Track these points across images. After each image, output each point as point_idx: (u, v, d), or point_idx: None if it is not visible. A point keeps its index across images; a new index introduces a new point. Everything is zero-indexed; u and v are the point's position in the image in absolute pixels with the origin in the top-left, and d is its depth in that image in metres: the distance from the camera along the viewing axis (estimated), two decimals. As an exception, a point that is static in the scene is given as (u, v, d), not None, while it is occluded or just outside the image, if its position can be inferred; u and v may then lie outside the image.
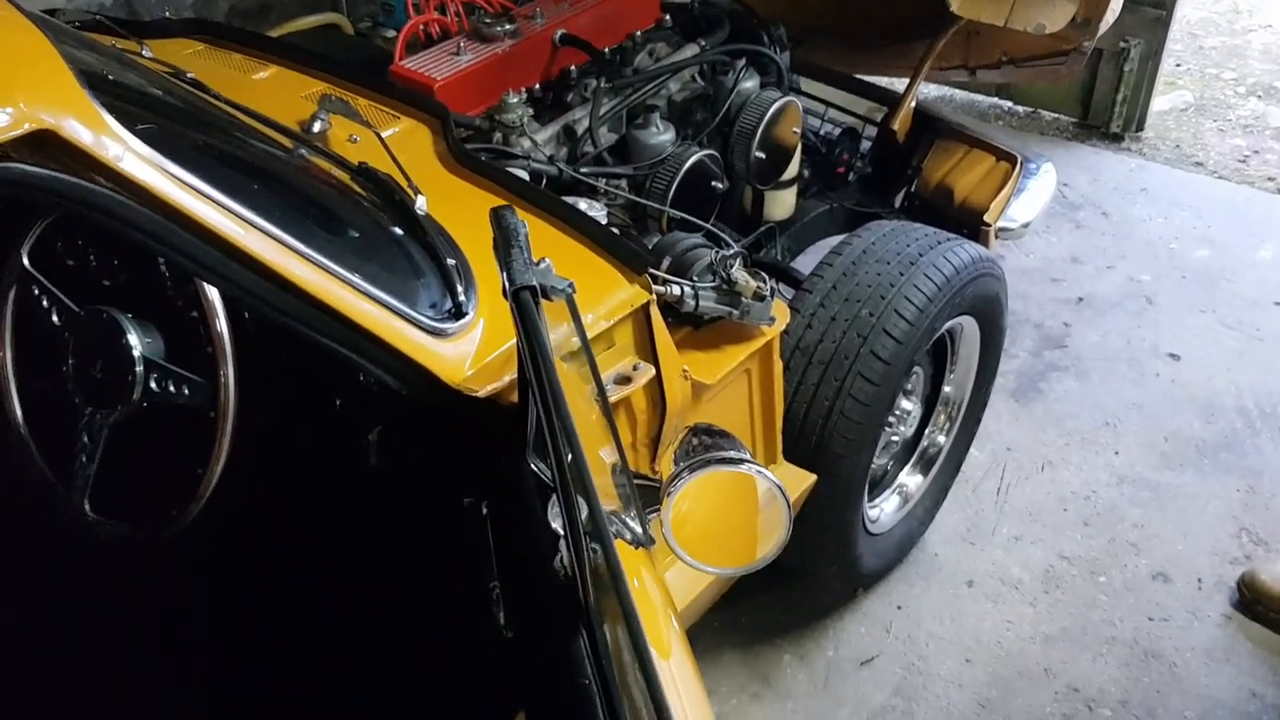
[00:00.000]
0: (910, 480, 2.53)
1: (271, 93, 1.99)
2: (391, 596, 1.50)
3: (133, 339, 1.49)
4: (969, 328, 2.39)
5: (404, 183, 1.61)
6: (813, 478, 2.06)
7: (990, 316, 2.39)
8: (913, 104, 2.74)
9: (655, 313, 1.70)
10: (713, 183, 2.28)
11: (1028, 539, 2.58)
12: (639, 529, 1.11)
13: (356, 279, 1.34)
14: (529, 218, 1.76)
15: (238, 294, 1.24)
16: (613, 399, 1.61)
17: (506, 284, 0.82)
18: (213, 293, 1.44)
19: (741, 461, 1.24)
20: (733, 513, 1.28)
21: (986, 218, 2.49)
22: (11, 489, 1.65)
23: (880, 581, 2.48)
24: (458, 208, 1.69)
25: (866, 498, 2.35)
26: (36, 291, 1.59)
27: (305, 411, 1.57)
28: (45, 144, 1.07)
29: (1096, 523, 2.61)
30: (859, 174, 2.84)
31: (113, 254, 1.56)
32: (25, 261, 1.59)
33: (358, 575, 1.55)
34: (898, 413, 2.37)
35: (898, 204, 2.82)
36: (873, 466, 2.35)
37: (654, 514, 1.25)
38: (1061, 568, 2.50)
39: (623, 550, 1.18)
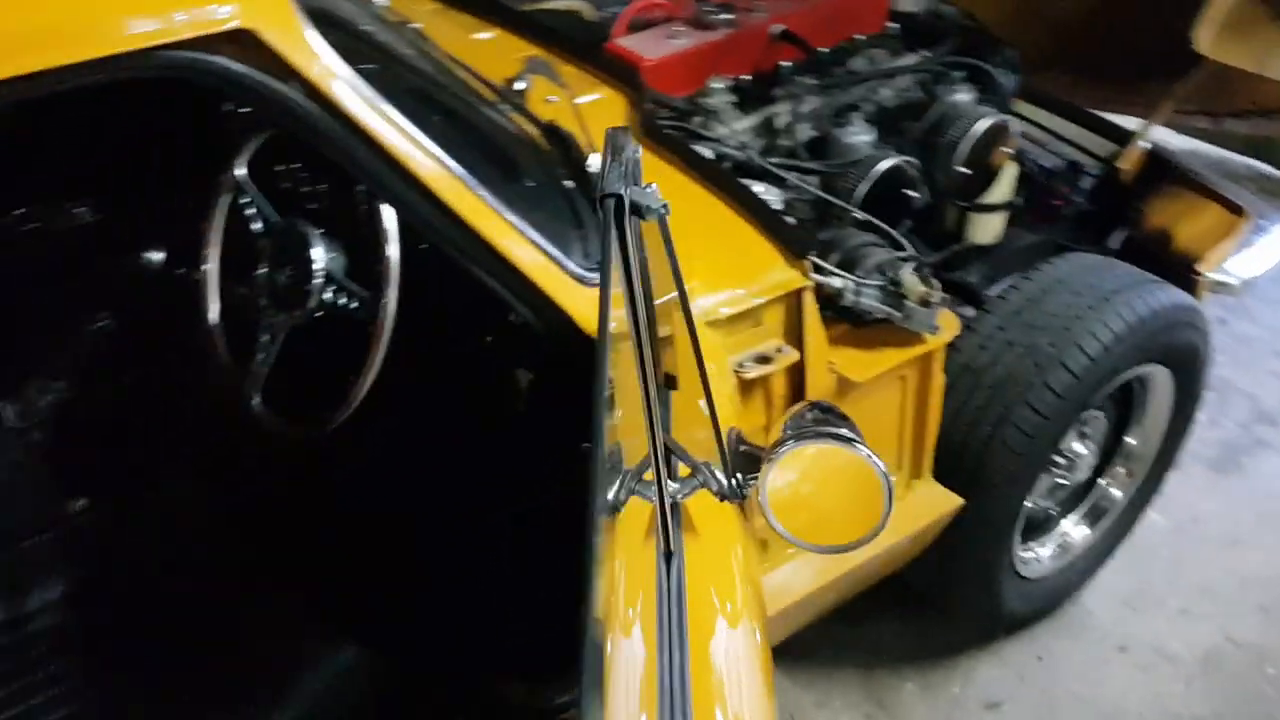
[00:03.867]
0: (1074, 530, 2.41)
1: (489, 52, 2.10)
2: (497, 525, 1.56)
3: (318, 252, 1.62)
4: (1161, 378, 2.25)
5: (583, 142, 1.68)
6: (959, 501, 1.99)
7: (1187, 370, 2.24)
8: (1146, 145, 2.61)
9: (809, 300, 1.70)
10: (907, 191, 2.24)
11: (1196, 614, 2.41)
12: (724, 480, 1.12)
13: (517, 219, 1.41)
14: (699, 191, 1.81)
15: (403, 213, 1.33)
16: (747, 376, 1.62)
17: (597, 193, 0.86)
18: (389, 220, 1.55)
19: (852, 442, 1.23)
20: (833, 492, 1.26)
21: (1199, 266, 2.34)
22: (200, 374, 1.82)
23: (1024, 629, 2.37)
24: (634, 172, 1.74)
25: (1020, 538, 2.25)
26: (246, 201, 1.74)
27: (455, 340, 1.65)
28: (247, 45, 1.18)
29: (1277, 612, 2.40)
30: (1077, 209, 2.72)
31: (314, 174, 1.69)
32: (242, 173, 1.74)
33: (467, 504, 1.62)
34: (1067, 455, 2.26)
35: (1114, 245, 2.68)
36: (1032, 506, 2.26)
37: (754, 480, 1.25)
38: (1227, 650, 2.32)
39: (710, 508, 1.20)
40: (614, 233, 0.81)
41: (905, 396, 1.92)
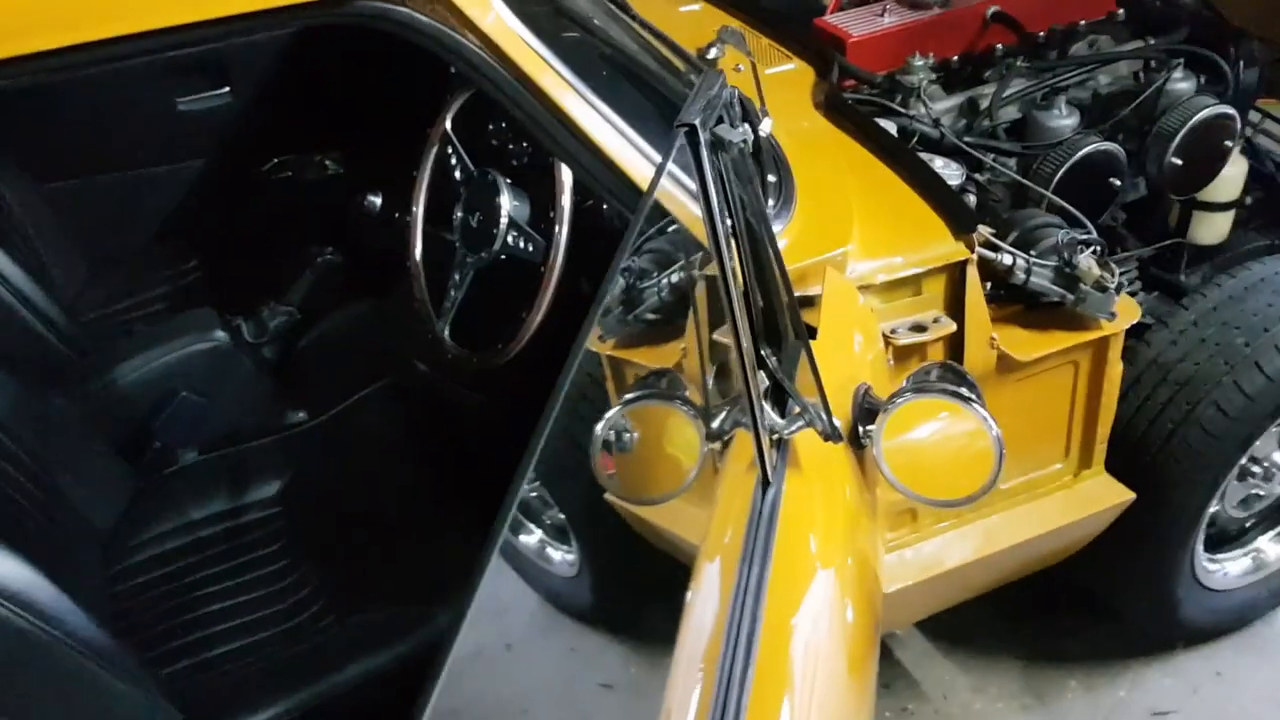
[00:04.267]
0: (1271, 548, 2.27)
1: (689, 23, 2.20)
2: None
3: (504, 200, 1.77)
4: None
5: (759, 105, 1.74)
6: (1130, 495, 1.93)
7: None
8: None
9: (972, 273, 1.70)
10: (1110, 178, 2.17)
11: (1407, 653, 2.22)
12: (828, 421, 1.17)
13: (677, 170, 1.50)
14: (874, 162, 1.84)
15: (564, 159, 1.45)
16: (899, 342, 1.64)
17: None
18: (565, 173, 1.68)
19: (970, 401, 1.25)
20: (947, 448, 1.29)
21: None
22: (403, 307, 2.02)
23: (1205, 642, 2.26)
24: (808, 139, 1.80)
25: (1207, 546, 2.15)
26: (450, 152, 1.92)
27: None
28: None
29: None
30: (1318, 215, 2.54)
31: (506, 130, 1.85)
32: (447, 126, 1.92)
33: None
34: (1264, 464, 2.13)
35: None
36: (1223, 515, 2.16)
37: (872, 430, 1.29)
38: None
39: (816, 449, 1.25)
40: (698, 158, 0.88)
41: (1077, 382, 1.87)
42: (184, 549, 1.93)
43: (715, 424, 1.20)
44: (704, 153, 0.89)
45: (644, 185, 1.44)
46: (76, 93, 2.39)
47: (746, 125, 1.04)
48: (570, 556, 2.03)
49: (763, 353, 1.13)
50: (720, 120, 0.98)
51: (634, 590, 1.94)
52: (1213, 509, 2.09)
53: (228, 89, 2.51)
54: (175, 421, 2.08)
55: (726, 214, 0.97)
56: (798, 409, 1.19)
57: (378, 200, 2.28)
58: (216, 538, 1.96)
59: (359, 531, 1.95)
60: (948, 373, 1.30)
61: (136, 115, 2.48)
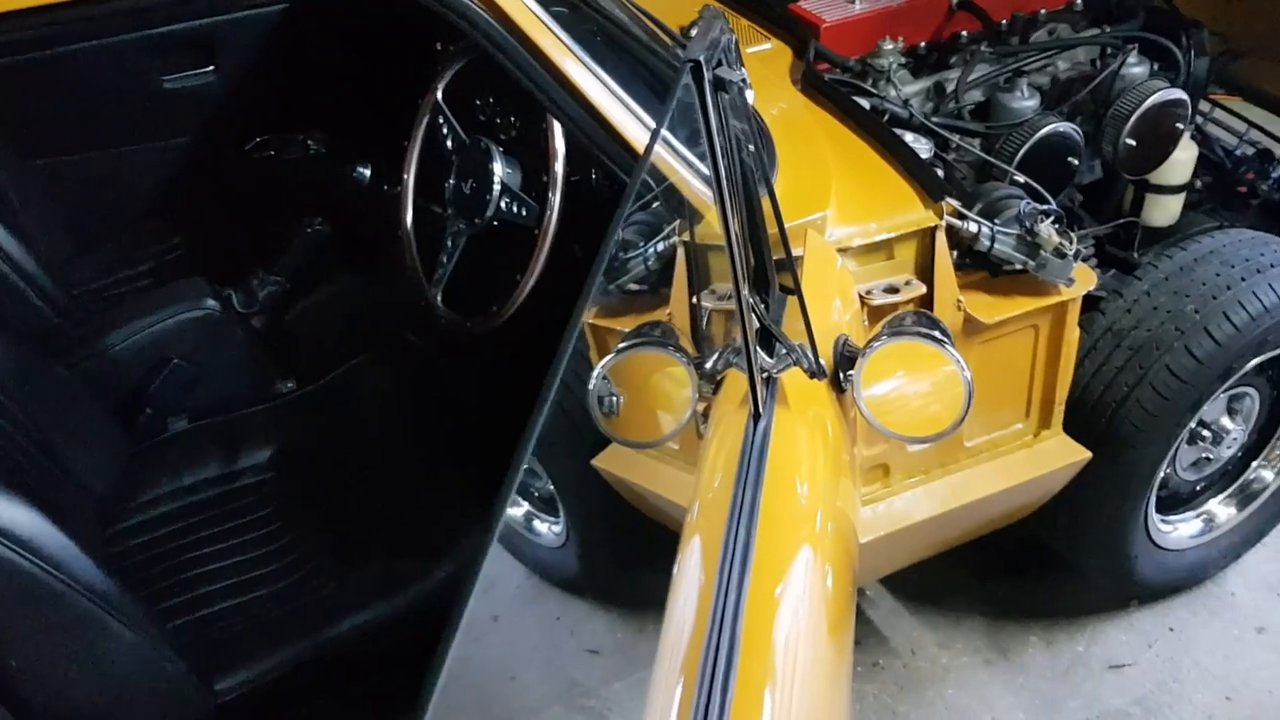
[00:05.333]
0: (1220, 510, 2.39)
1: (672, 2, 2.27)
2: None
3: (497, 167, 1.84)
4: (1321, 361, 2.22)
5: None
6: (1086, 455, 2.03)
7: (1350, 355, 2.20)
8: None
9: (941, 239, 1.79)
10: (1068, 158, 2.28)
11: (1346, 608, 2.35)
12: (814, 360, 1.25)
13: (670, 135, 1.58)
14: (849, 136, 1.93)
15: (562, 120, 1.52)
16: (874, 303, 1.73)
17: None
18: (559, 140, 1.75)
19: (943, 343, 1.34)
20: (921, 389, 1.38)
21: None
22: (394, 275, 2.08)
23: (1159, 600, 2.38)
24: (787, 113, 1.89)
25: (1160, 508, 2.27)
26: (440, 121, 1.98)
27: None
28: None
29: None
30: (1264, 199, 2.67)
31: (498, 100, 1.92)
32: (439, 96, 1.98)
33: None
34: (1213, 428, 2.25)
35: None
36: (1175, 478, 2.27)
37: (852, 374, 1.38)
38: (1373, 643, 2.26)
39: (802, 391, 1.33)
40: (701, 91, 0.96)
41: (1037, 345, 1.97)
42: (178, 512, 1.98)
43: (709, 365, 1.28)
44: (708, 88, 0.97)
45: (638, 146, 1.51)
46: (64, 69, 2.43)
47: (744, 69, 1.12)
48: (557, 528, 2.10)
49: (753, 298, 1.21)
50: (720, 64, 1.05)
51: (620, 557, 2.02)
52: (1165, 472, 2.20)
53: (212, 67, 2.56)
54: (167, 389, 2.12)
55: (726, 153, 1.05)
56: (784, 350, 1.28)
57: (366, 171, 2.34)
58: (210, 501, 2.01)
59: (351, 494, 2.01)
60: (922, 319, 1.40)
61: (122, 93, 2.52)
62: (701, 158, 1.57)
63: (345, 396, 2.18)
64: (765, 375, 1.26)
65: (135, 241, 2.60)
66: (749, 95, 1.77)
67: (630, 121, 1.52)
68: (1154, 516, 2.25)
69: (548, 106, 1.54)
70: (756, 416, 1.22)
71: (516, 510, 2.11)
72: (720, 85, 1.03)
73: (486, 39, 1.43)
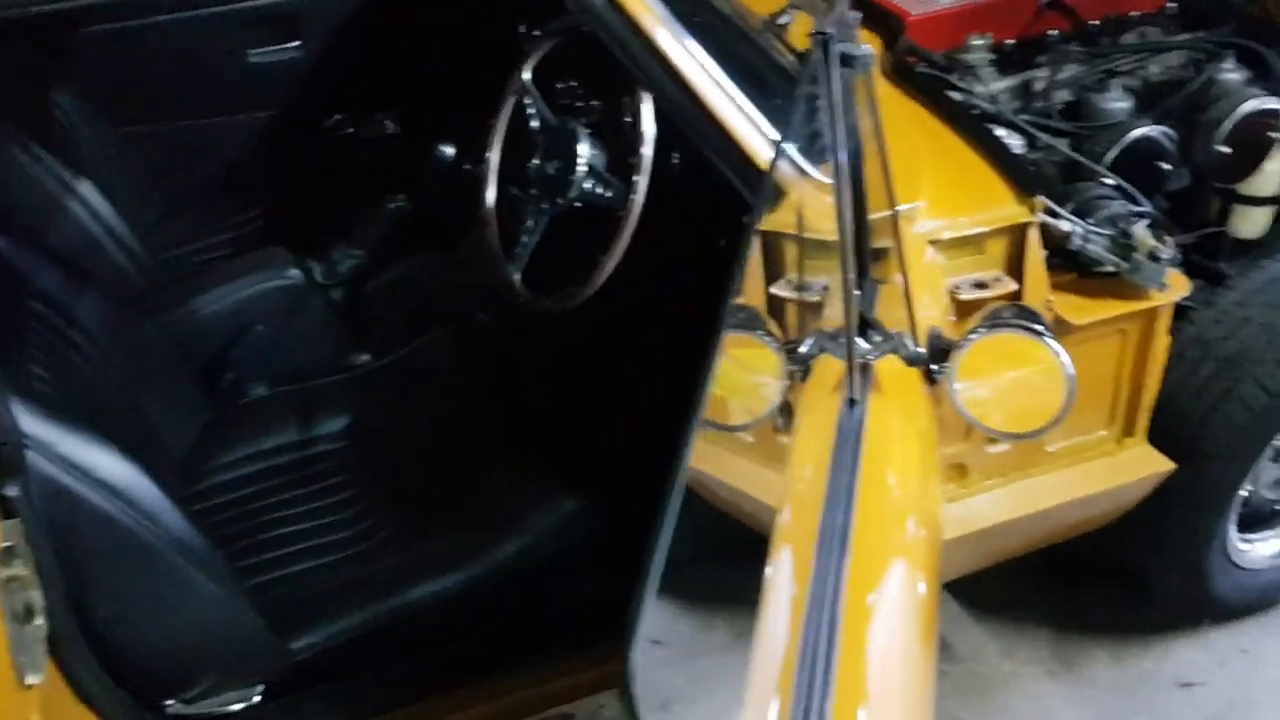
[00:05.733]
0: (1303, 531, 2.33)
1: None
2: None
3: (583, 147, 1.85)
4: None
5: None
6: (1171, 465, 1.99)
7: None
8: None
9: (1033, 236, 1.77)
10: (1159, 162, 2.23)
11: None
12: (912, 347, 1.23)
13: (761, 118, 1.58)
14: (940, 129, 1.91)
15: (658, 100, 1.52)
16: (962, 297, 1.71)
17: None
18: (648, 122, 1.75)
19: (1043, 335, 1.31)
20: (1019, 383, 1.35)
21: None
22: (472, 254, 2.09)
23: (1233, 620, 2.32)
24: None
25: (1240, 527, 2.22)
26: (527, 102, 1.99)
27: (694, 235, 1.83)
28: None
29: None
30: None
31: (587, 82, 1.92)
32: (527, 76, 1.99)
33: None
34: (1302, 448, 2.20)
35: None
36: (1257, 496, 2.22)
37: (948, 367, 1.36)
38: None
39: (896, 375, 1.31)
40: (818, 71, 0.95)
41: (1124, 351, 1.94)
42: (256, 475, 2.01)
43: (802, 349, 1.27)
44: (835, 63, 0.96)
45: (739, 136, 1.51)
46: (154, 40, 2.48)
47: (869, 46, 1.11)
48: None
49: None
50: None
51: (686, 549, 2.00)
52: (1246, 490, 2.15)
53: (298, 43, 2.59)
54: (248, 354, 2.16)
55: (846, 134, 1.04)
56: (881, 337, 1.26)
57: (449, 150, 2.36)
58: (286, 467, 2.03)
59: (423, 467, 2.02)
60: (1022, 312, 1.37)
61: (209, 65, 2.56)
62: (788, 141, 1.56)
63: (417, 372, 2.19)
64: (862, 361, 1.24)
65: (216, 211, 2.63)
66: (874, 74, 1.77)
67: (733, 112, 1.52)
68: (1233, 534, 2.20)
69: (648, 87, 1.53)
70: (852, 402, 1.20)
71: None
72: (847, 62, 1.02)
73: (593, 17, 1.43)
